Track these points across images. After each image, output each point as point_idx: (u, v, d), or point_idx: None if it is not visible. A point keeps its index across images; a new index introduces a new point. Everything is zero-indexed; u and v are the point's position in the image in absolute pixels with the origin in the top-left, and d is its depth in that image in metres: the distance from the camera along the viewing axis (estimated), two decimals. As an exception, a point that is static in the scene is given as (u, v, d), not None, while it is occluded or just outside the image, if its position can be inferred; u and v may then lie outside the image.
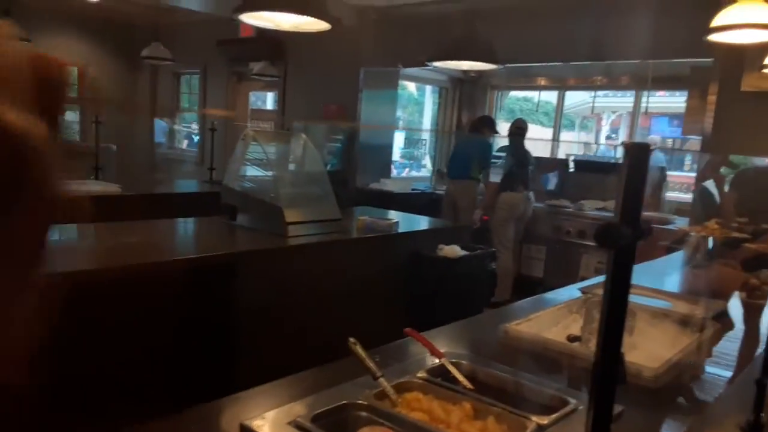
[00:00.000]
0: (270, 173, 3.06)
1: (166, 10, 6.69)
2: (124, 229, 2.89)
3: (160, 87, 8.65)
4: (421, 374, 1.31)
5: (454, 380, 1.32)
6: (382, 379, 1.21)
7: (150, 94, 8.68)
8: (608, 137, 7.93)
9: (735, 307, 2.00)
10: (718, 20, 2.09)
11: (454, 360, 1.38)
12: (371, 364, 1.22)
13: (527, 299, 2.25)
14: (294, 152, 3.29)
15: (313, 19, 3.01)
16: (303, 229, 2.99)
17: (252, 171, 3.12)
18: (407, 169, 7.74)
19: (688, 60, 4.45)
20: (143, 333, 2.22)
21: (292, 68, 6.76)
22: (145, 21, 6.67)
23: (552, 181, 5.81)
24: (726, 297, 1.99)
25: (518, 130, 5.13)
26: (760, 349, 1.70)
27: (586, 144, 7.74)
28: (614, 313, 0.62)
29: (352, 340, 1.26)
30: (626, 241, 0.57)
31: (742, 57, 3.69)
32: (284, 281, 2.72)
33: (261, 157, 3.09)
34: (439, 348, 1.50)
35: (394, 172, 7.20)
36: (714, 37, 2.20)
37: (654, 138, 6.62)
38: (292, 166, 3.22)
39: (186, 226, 3.23)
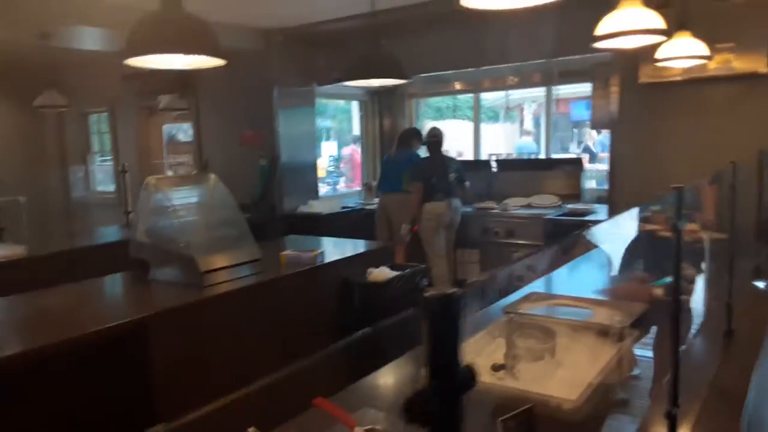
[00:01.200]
0: (178, 221, 2.90)
1: (63, 51, 6.32)
2: (20, 302, 2.66)
3: (68, 129, 8.19)
4: (333, 452, 1.22)
5: (370, 450, 1.24)
6: (287, 471, 1.11)
7: (58, 139, 8.21)
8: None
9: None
10: (600, 29, 2.11)
11: (368, 427, 1.30)
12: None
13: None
14: (203, 195, 3.13)
15: (205, 56, 2.88)
16: (221, 276, 2.85)
17: (160, 221, 2.95)
18: (340, 183, 7.65)
19: (589, 56, 4.57)
20: (52, 420, 2.03)
21: (202, 98, 6.53)
22: (43, 65, 6.28)
23: (477, 184, 5.83)
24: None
25: (433, 138, 5.14)
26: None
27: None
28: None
29: (250, 430, 1.15)
30: (441, 412, 0.49)
31: (636, 51, 3.80)
32: (205, 335, 2.58)
33: (167, 205, 2.92)
34: (357, 408, 1.42)
35: (324, 189, 7.08)
36: (600, 45, 2.22)
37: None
38: (202, 211, 3.06)
39: (94, 287, 3.00)
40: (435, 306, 0.48)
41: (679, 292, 1.05)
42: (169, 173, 7.36)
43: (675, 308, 1.05)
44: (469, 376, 0.50)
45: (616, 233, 2.82)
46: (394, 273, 3.43)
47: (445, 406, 0.48)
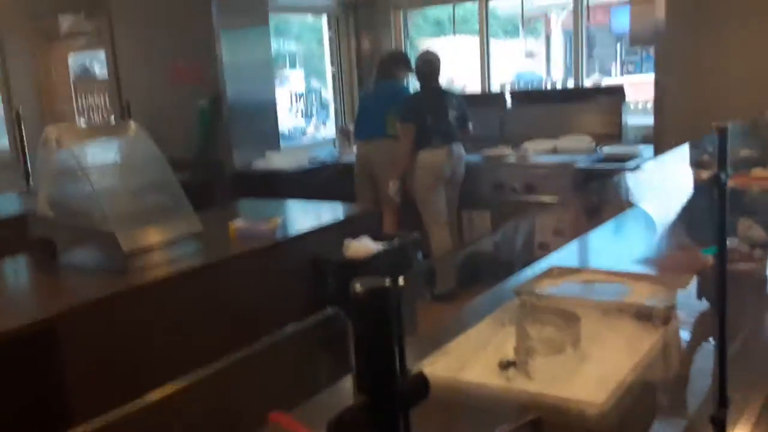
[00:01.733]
0: (91, 187, 2.90)
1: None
2: None
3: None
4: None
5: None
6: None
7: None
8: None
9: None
10: None
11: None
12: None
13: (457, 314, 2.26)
14: (123, 151, 3.14)
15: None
16: (150, 257, 2.88)
17: (67, 187, 2.96)
18: (312, 122, 7.63)
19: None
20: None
21: (118, 18, 6.43)
22: None
23: (486, 124, 5.83)
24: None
25: (426, 66, 5.11)
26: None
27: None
28: None
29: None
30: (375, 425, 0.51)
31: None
32: (132, 334, 2.61)
33: (75, 165, 2.92)
34: (321, 423, 1.46)
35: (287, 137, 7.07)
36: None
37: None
38: (122, 172, 3.08)
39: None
40: (364, 303, 0.50)
41: (725, 263, 1.09)
42: (81, 121, 7.31)
43: (720, 285, 1.09)
44: (415, 387, 0.52)
45: (660, 183, 2.86)
46: (379, 246, 3.47)
47: (382, 426, 0.51)
